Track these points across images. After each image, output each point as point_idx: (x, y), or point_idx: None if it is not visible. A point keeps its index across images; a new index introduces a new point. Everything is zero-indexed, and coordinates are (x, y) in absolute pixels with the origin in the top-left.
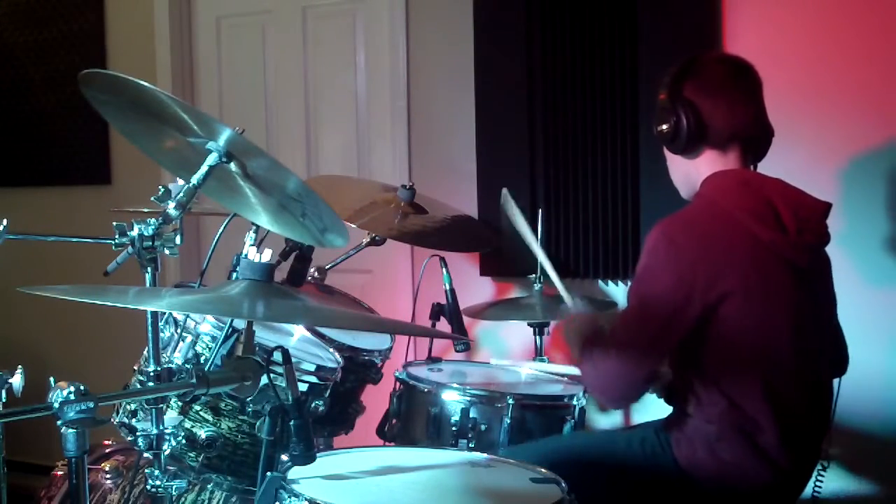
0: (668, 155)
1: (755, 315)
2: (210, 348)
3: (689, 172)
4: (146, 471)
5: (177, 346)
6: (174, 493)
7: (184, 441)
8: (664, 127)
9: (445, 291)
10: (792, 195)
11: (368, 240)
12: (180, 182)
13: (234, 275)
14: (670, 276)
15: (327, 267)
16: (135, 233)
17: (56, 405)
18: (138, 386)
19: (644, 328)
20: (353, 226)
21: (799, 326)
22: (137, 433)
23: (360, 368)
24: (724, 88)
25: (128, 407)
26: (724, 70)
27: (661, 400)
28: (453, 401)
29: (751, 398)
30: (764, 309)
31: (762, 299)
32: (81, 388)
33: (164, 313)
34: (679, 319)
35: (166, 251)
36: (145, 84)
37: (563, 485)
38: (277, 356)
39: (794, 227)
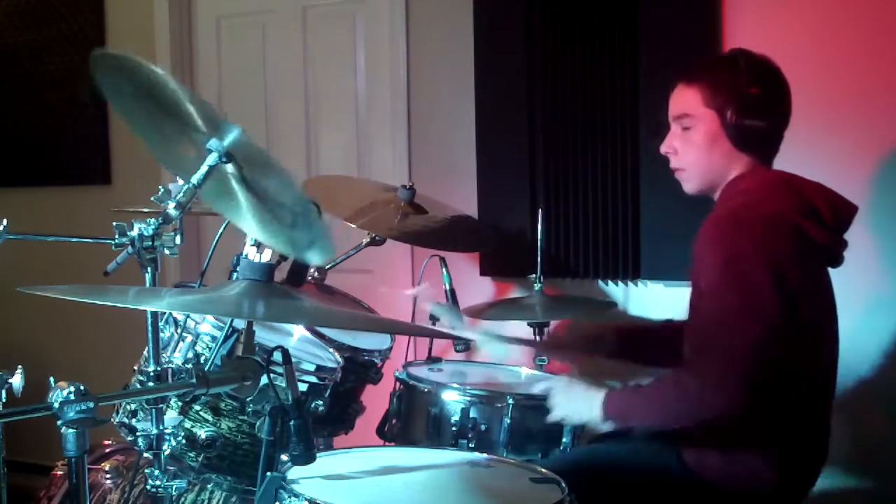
0: (709, 144)
1: (804, 314)
2: (210, 348)
3: (719, 168)
4: (146, 471)
5: (177, 346)
6: (174, 493)
7: (184, 441)
8: (756, 122)
9: (445, 291)
10: (832, 196)
11: (368, 240)
12: (180, 182)
13: (234, 275)
14: (762, 270)
15: (327, 267)
16: (135, 233)
17: (56, 405)
18: (138, 386)
19: (752, 322)
20: (353, 226)
21: (830, 326)
22: (137, 433)
23: (360, 368)
24: (788, 97)
25: (128, 407)
26: (782, 77)
27: None
28: (453, 401)
29: (773, 398)
30: (813, 308)
31: (813, 298)
32: (81, 388)
33: (164, 313)
34: (780, 309)
35: (166, 251)
36: (157, 69)
37: (563, 485)
38: (277, 356)
39: (834, 226)
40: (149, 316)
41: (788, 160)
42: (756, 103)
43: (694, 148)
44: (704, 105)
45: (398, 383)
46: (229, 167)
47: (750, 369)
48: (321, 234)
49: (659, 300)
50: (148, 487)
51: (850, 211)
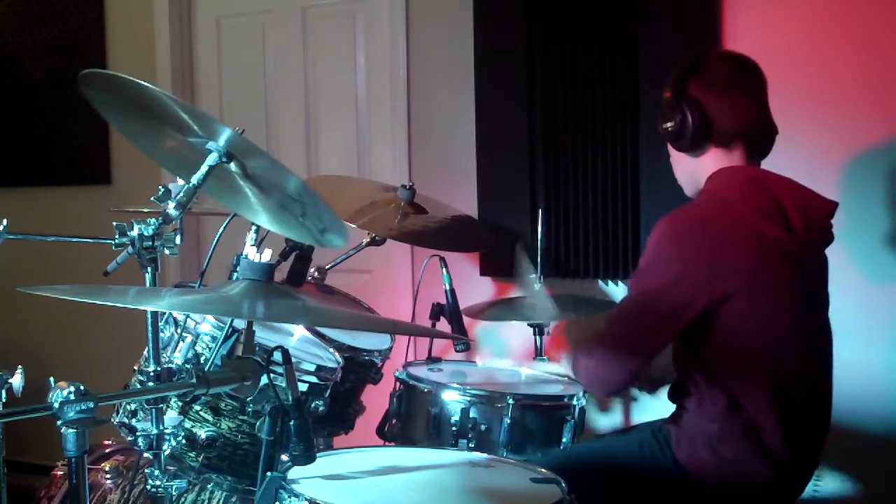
0: (673, 153)
1: (760, 313)
2: (210, 348)
3: (693, 170)
4: (146, 471)
5: (177, 346)
6: (174, 493)
7: (184, 441)
8: (669, 125)
9: (445, 291)
10: (802, 194)
11: (368, 240)
12: (180, 182)
13: (234, 275)
14: (674, 270)
15: (327, 267)
16: (135, 233)
17: (56, 405)
18: (138, 386)
19: (641, 321)
20: (353, 226)
21: (802, 325)
22: (137, 433)
23: (360, 368)
24: (728, 87)
25: (128, 407)
26: (728, 68)
27: (660, 400)
28: (453, 401)
29: (754, 397)
30: (769, 307)
31: (767, 297)
32: (81, 388)
33: (164, 313)
34: (678, 315)
35: (166, 251)
36: (145, 84)
37: (563, 485)
38: (277, 356)
39: (802, 225)
40: (149, 316)
41: (793, 157)
42: (666, 107)
43: (672, 158)
44: None
45: (398, 383)
46: (232, 165)
47: (624, 359)
48: (331, 220)
49: None
50: (148, 487)
51: (826, 208)
